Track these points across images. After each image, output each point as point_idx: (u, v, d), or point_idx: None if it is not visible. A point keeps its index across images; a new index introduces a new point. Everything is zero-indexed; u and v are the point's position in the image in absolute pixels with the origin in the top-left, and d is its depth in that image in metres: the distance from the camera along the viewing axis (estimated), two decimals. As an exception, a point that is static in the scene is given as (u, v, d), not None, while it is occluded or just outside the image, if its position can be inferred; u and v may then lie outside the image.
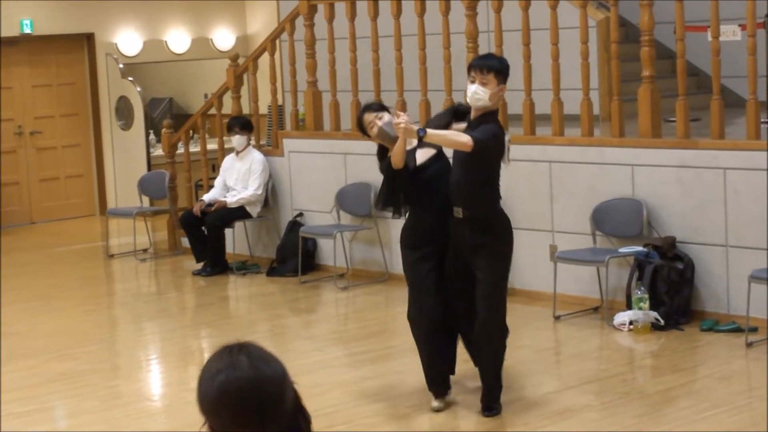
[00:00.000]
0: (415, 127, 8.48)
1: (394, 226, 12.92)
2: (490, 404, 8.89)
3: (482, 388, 8.96)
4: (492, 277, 8.74)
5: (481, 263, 8.71)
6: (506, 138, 8.95)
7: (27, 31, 18.95)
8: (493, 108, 8.68)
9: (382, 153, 9.12)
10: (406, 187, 8.85)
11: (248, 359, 3.11)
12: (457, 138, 8.51)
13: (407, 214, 9.24)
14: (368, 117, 9.18)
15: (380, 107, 9.46)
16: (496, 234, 8.81)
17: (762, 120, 11.46)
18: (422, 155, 8.98)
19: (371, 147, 13.34)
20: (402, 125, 8.42)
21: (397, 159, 8.66)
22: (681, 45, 11.47)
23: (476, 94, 8.46)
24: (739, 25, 11.20)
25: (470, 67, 8.71)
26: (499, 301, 8.89)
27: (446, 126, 8.91)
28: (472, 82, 8.54)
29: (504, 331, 9.01)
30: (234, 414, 3.04)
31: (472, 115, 8.65)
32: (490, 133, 8.49)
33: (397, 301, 11.78)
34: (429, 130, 8.49)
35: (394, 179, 8.84)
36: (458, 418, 9.09)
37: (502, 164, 8.94)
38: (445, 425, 8.93)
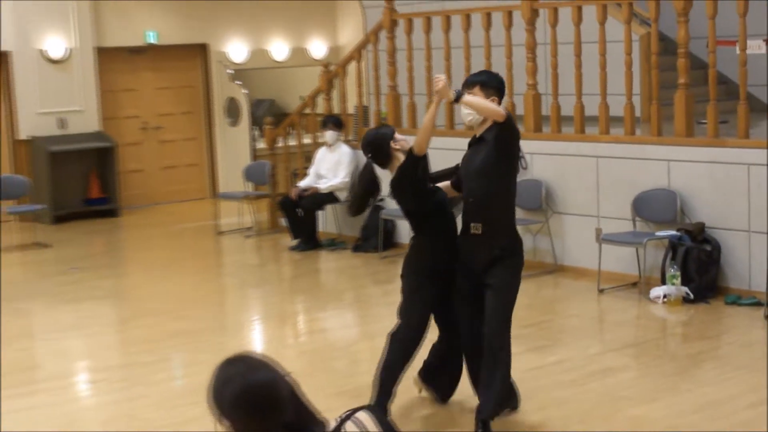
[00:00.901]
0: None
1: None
2: (491, 415, 7.56)
3: (483, 399, 7.58)
4: (505, 296, 7.57)
5: (496, 277, 7.49)
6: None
7: (151, 41, 19.09)
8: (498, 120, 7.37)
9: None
10: (425, 175, 7.74)
11: (259, 365, 3.21)
12: (491, 105, 7.38)
13: (414, 245, 7.98)
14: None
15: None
16: (513, 250, 7.62)
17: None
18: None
19: (444, 142, 13.37)
20: (441, 83, 7.45)
21: (424, 139, 7.56)
22: (712, 57, 11.39)
23: (464, 110, 7.51)
24: (764, 40, 11.14)
25: (467, 85, 7.64)
26: (508, 317, 7.63)
27: (449, 176, 8.01)
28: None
29: (509, 346, 7.63)
30: (254, 415, 3.11)
31: (477, 132, 7.58)
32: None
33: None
34: (465, 94, 7.39)
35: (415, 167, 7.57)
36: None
37: (520, 168, 8.17)
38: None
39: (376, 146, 7.73)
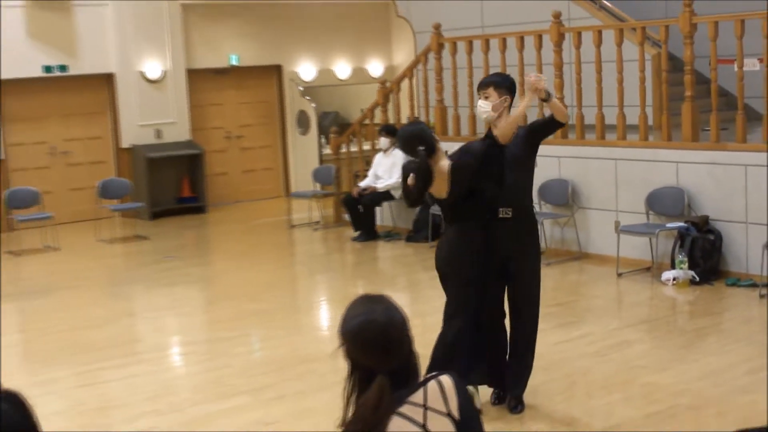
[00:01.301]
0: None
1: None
2: (520, 397, 7.37)
3: (516, 378, 7.34)
4: (533, 274, 7.28)
5: (524, 259, 7.23)
6: None
7: (234, 63, 19.20)
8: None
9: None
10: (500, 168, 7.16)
11: (382, 307, 3.11)
12: (563, 109, 7.22)
13: (450, 236, 7.26)
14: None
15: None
16: (536, 232, 7.41)
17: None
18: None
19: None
20: (542, 82, 7.01)
21: (510, 130, 7.12)
22: (714, 73, 11.35)
23: (480, 107, 7.24)
24: (758, 59, 11.08)
25: (482, 86, 7.35)
26: (538, 294, 7.33)
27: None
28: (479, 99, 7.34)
29: (537, 323, 7.40)
30: (365, 347, 3.06)
31: (493, 128, 7.19)
32: None
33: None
34: (554, 97, 7.11)
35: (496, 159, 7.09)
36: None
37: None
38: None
39: (425, 138, 6.92)
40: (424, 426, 3.01)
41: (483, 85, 7.30)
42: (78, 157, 17.85)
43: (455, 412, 3.07)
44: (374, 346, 3.04)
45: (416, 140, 6.89)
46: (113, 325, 10.68)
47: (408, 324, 3.12)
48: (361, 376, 3.06)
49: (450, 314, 7.17)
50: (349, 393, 3.10)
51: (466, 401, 3.11)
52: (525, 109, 7.16)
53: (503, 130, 7.11)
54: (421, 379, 3.13)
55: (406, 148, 7.05)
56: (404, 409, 3.02)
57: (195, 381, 8.72)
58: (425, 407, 3.04)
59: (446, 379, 3.13)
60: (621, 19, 14.12)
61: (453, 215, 7.23)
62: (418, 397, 3.05)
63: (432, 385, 3.10)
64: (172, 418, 7.63)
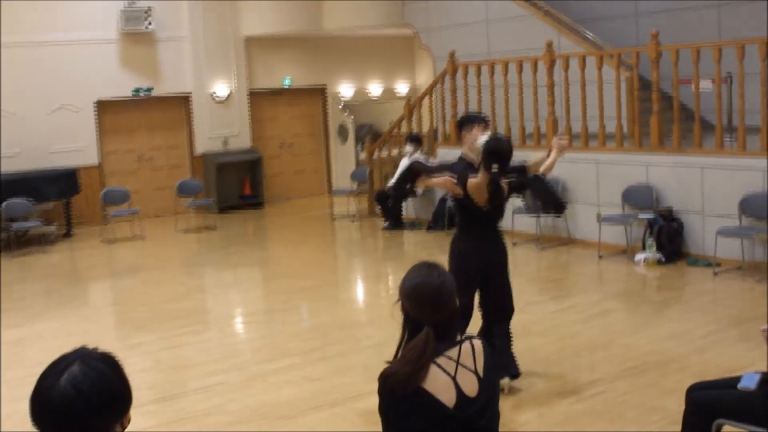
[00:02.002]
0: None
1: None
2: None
3: (512, 358, 6.80)
4: (510, 287, 6.75)
5: (503, 268, 6.66)
6: None
7: (287, 85, 19.25)
8: None
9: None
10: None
11: (438, 273, 3.11)
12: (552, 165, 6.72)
13: (458, 236, 6.68)
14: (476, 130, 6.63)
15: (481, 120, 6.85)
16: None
17: (725, 137, 11.32)
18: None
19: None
20: (566, 142, 6.75)
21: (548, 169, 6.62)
22: (676, 92, 11.33)
23: (481, 140, 6.36)
24: (711, 80, 11.03)
25: (480, 121, 6.74)
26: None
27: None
28: (481, 132, 6.59)
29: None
30: (417, 303, 3.05)
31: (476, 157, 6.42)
32: None
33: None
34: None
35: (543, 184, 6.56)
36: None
37: None
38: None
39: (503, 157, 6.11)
40: (454, 378, 3.01)
41: (479, 120, 6.74)
42: (160, 162, 17.95)
43: (481, 371, 3.07)
44: (425, 302, 3.04)
45: (496, 156, 6.06)
46: (188, 299, 10.78)
47: (456, 289, 3.12)
48: (412, 326, 3.07)
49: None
50: (401, 338, 3.11)
51: (490, 364, 3.12)
52: (554, 162, 6.64)
53: (544, 169, 6.58)
54: (459, 339, 3.13)
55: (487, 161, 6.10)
56: (440, 360, 3.02)
57: (255, 344, 8.78)
58: (457, 362, 3.04)
59: (478, 343, 3.12)
60: (601, 47, 14.08)
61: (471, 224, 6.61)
62: (453, 352, 3.05)
63: (466, 345, 3.09)
64: (236, 374, 7.70)
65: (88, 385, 2.18)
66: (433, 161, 7.36)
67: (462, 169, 6.53)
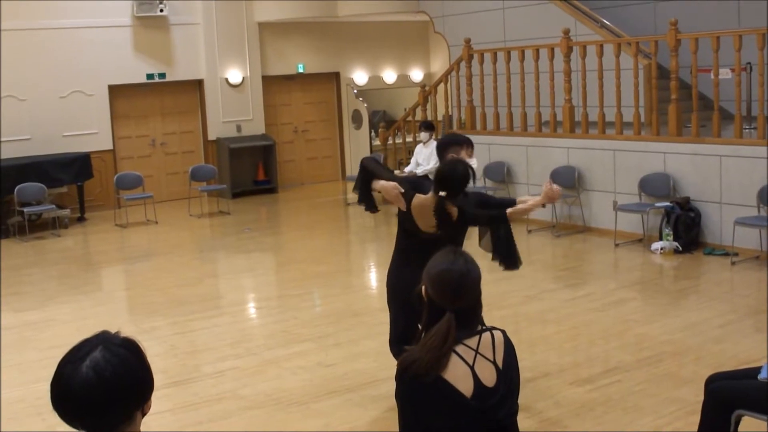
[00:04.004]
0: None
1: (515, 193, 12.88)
2: None
3: None
4: None
5: None
6: None
7: (300, 71, 19.24)
8: None
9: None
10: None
11: (464, 260, 3.08)
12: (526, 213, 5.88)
13: (408, 254, 6.11)
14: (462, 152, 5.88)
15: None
16: None
17: (744, 126, 11.26)
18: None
19: (506, 139, 13.33)
20: (557, 193, 5.60)
21: (517, 215, 5.65)
22: (695, 80, 11.30)
23: (474, 163, 5.66)
24: (730, 69, 10.98)
25: (469, 144, 5.97)
26: None
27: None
28: (469, 156, 5.88)
29: None
30: (441, 289, 3.02)
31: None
32: None
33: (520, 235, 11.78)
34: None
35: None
36: (552, 304, 9.13)
37: None
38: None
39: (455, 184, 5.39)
40: (472, 367, 2.99)
41: (469, 143, 6.01)
42: (173, 148, 17.96)
43: (500, 363, 3.05)
44: (448, 288, 3.01)
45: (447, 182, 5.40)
46: (201, 284, 10.78)
47: (481, 278, 3.08)
48: (434, 311, 3.04)
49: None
50: (424, 322, 3.08)
51: (510, 357, 3.09)
52: (534, 207, 5.73)
53: (515, 214, 5.65)
54: (480, 328, 3.10)
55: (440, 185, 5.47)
56: (459, 348, 2.99)
57: (267, 330, 8.77)
58: (477, 352, 3.01)
59: (498, 334, 3.10)
60: (618, 36, 14.01)
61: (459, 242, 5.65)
62: (473, 342, 3.03)
63: (486, 335, 3.06)
64: (248, 359, 7.71)
65: (110, 372, 2.15)
66: (399, 173, 6.39)
67: (421, 186, 5.74)
